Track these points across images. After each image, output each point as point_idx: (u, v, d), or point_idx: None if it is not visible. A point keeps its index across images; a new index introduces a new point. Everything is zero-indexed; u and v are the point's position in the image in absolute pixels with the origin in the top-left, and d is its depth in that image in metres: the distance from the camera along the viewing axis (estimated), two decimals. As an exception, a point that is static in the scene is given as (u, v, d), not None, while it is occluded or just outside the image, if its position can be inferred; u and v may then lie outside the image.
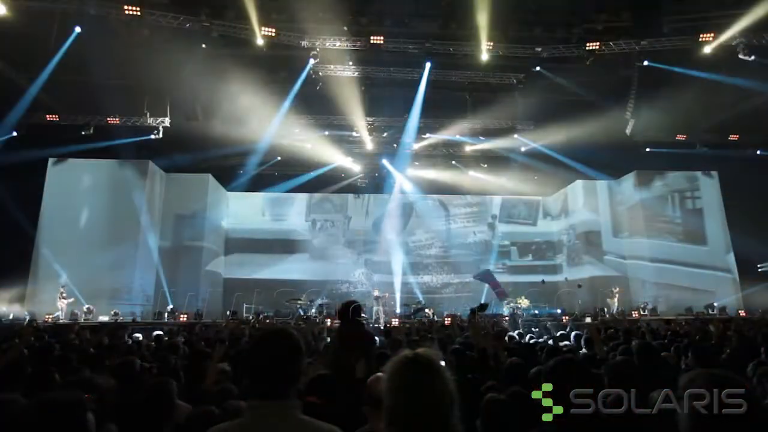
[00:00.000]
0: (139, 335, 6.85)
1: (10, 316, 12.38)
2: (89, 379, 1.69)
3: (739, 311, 14.18)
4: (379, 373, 2.51)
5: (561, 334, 6.65)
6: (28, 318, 11.95)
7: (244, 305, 15.08)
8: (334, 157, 17.07)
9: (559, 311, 14.65)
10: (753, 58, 11.33)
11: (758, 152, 15.37)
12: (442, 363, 1.37)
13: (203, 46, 12.04)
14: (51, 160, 14.76)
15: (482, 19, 11.16)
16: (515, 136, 15.73)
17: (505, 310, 15.01)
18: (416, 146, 16.56)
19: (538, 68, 12.99)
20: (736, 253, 16.18)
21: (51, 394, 1.35)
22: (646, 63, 12.70)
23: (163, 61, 11.92)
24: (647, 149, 16.15)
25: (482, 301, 14.23)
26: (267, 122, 14.46)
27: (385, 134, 15.78)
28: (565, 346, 5.04)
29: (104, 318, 12.61)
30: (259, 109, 13.68)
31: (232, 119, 14.12)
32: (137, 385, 2.45)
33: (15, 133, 13.96)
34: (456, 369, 3.42)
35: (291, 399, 1.40)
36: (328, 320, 12.34)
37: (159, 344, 5.79)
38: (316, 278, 17.78)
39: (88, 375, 2.03)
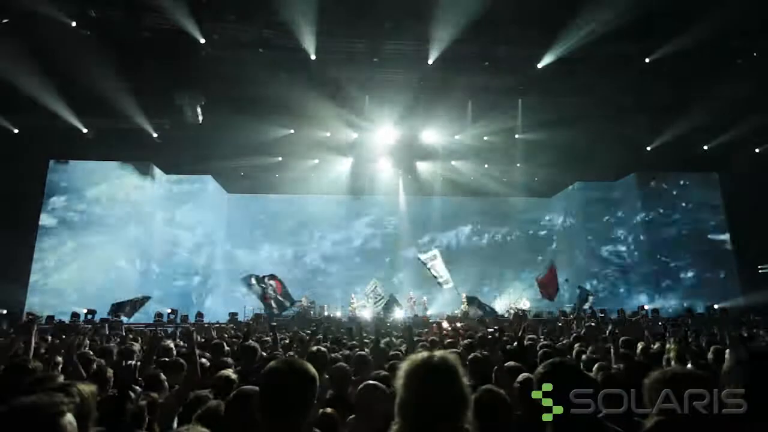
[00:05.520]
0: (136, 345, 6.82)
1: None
2: (67, 384, 1.64)
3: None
4: (371, 382, 2.52)
5: None
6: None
7: (245, 306, 15.12)
8: (334, 159, 17.09)
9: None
10: None
11: (756, 150, 15.30)
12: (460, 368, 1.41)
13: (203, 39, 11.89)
14: (52, 162, 14.80)
15: (482, 20, 11.12)
16: (516, 136, 15.72)
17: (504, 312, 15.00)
18: (416, 146, 16.54)
19: (539, 65, 12.96)
20: (736, 254, 16.15)
21: (22, 399, 1.26)
22: (647, 60, 12.70)
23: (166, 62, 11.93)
24: (648, 148, 16.13)
25: None
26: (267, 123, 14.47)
27: (384, 134, 15.76)
28: None
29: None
30: (259, 110, 13.67)
31: (232, 121, 14.10)
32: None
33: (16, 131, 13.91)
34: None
35: (304, 421, 1.52)
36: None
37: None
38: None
39: (67, 381, 1.99)
